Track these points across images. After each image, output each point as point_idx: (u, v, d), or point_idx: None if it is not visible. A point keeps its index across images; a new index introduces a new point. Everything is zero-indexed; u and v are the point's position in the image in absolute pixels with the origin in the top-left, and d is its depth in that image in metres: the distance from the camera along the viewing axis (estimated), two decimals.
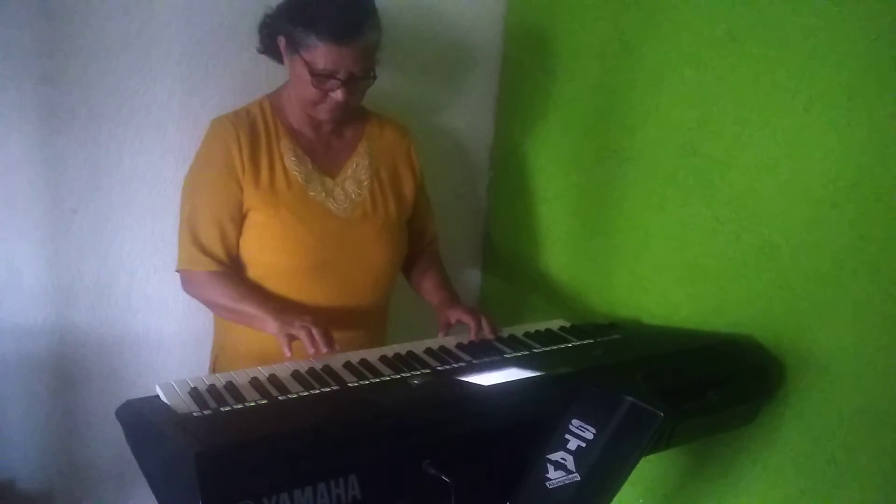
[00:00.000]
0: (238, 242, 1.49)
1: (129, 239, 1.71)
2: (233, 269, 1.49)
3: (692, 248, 1.48)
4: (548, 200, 1.92)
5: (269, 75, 1.62)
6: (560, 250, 1.89)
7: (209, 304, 1.51)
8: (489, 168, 2.15)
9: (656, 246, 1.57)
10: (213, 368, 1.63)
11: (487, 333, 1.46)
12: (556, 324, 1.57)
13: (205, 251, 1.45)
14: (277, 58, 1.49)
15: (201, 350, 1.69)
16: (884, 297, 1.16)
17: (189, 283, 1.51)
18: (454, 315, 1.51)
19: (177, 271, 1.52)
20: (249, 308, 1.41)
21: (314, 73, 1.38)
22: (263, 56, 1.53)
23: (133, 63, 1.62)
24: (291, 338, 1.31)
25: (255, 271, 1.51)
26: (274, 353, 1.34)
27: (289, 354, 1.30)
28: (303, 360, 1.30)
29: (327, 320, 1.36)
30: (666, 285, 1.55)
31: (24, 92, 1.55)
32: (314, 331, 1.30)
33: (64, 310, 1.69)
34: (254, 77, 1.68)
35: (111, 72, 1.61)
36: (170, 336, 1.81)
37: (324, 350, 1.28)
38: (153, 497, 0.99)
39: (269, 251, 1.49)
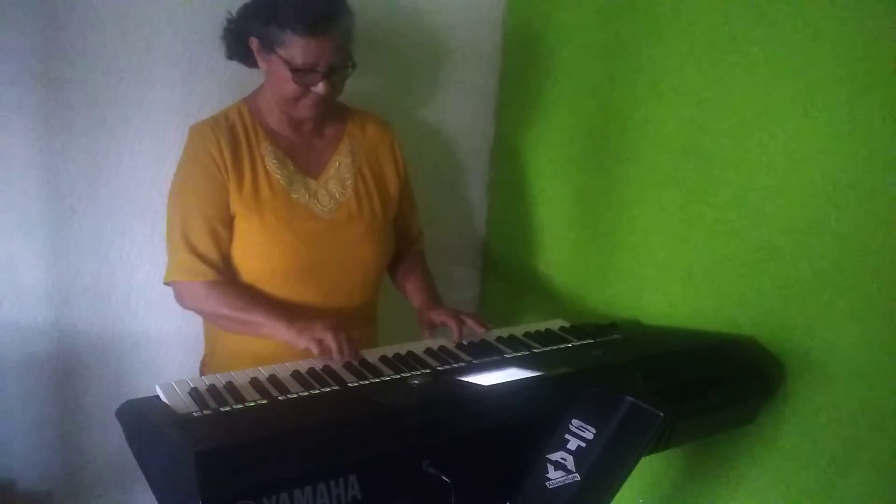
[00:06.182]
0: (230, 246, 1.47)
1: (129, 239, 1.72)
2: (228, 276, 1.46)
3: (692, 248, 1.48)
4: (547, 201, 1.92)
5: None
6: (560, 250, 1.89)
7: (210, 316, 1.49)
8: (489, 168, 2.15)
9: (656, 246, 1.56)
10: (203, 371, 1.61)
11: (476, 329, 1.46)
12: (556, 324, 1.57)
13: (202, 259, 1.42)
14: (248, 61, 1.47)
15: (201, 350, 1.69)
16: (884, 297, 1.16)
17: (185, 295, 1.46)
18: (438, 317, 1.50)
19: (166, 283, 1.48)
20: (258, 318, 1.39)
21: (294, 69, 1.36)
22: None
23: (133, 63, 1.62)
24: (319, 342, 1.30)
25: (244, 276, 1.48)
26: (267, 353, 1.35)
27: (318, 356, 1.30)
28: (303, 360, 1.30)
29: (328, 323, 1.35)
30: (666, 285, 1.55)
31: (24, 92, 1.55)
32: (342, 339, 1.30)
33: (64, 310, 1.69)
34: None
35: (111, 72, 1.61)
36: (170, 336, 1.81)
37: (351, 358, 1.29)
38: (153, 497, 0.99)
39: (254, 256, 1.47)
